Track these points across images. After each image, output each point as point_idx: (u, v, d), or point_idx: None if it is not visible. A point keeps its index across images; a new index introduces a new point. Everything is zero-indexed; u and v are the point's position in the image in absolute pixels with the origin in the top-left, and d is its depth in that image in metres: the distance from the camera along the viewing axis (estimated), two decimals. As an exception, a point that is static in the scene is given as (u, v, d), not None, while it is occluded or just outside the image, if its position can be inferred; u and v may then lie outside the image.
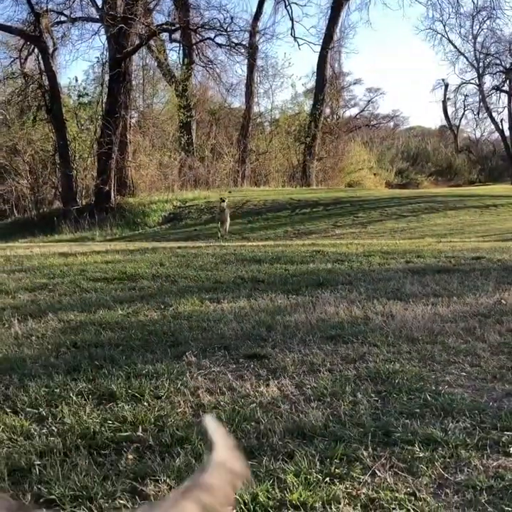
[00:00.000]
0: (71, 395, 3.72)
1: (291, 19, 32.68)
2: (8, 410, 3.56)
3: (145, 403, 3.59)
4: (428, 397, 3.57)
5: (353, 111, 51.63)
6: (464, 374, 4.01)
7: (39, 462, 2.88)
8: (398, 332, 4.94)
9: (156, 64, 32.14)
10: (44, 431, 3.26)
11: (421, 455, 2.92)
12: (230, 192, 26.66)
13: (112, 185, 24.18)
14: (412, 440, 3.05)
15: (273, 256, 9.35)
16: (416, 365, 4.16)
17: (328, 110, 37.64)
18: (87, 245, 14.48)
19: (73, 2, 25.99)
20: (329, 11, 34.35)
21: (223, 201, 16.79)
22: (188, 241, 16.20)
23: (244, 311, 5.86)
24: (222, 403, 3.58)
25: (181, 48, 32.10)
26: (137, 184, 26.97)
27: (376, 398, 3.61)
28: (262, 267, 8.37)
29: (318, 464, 2.84)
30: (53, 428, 3.29)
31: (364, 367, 4.14)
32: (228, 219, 17.03)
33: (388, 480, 2.73)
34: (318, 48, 33.62)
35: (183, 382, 3.91)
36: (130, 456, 2.95)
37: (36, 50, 25.75)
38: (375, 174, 41.82)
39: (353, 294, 6.49)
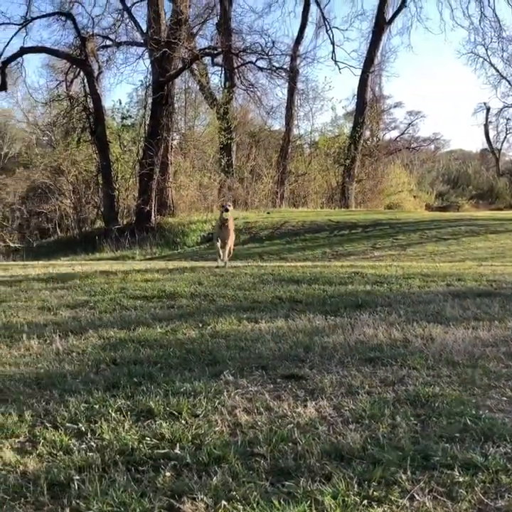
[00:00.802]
0: (110, 411, 3.75)
1: (333, 43, 32.85)
2: (48, 425, 3.60)
3: (183, 421, 3.60)
4: (468, 421, 3.51)
5: (394, 133, 51.50)
6: (505, 399, 3.94)
7: (78, 477, 2.89)
8: (438, 355, 4.88)
9: (198, 87, 32.55)
10: (83, 446, 3.29)
11: (461, 480, 2.87)
12: (268, 213, 26.75)
13: (153, 206, 24.46)
14: (451, 464, 3.00)
15: (311, 277, 9.33)
16: (456, 389, 4.10)
17: (368, 133, 37.63)
18: (128, 264, 14.62)
19: (118, 27, 26.59)
20: (370, 35, 34.42)
21: (227, 210, 11.57)
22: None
23: (281, 331, 5.85)
24: (259, 423, 3.57)
25: (223, 71, 32.49)
26: (177, 204, 27.21)
27: (415, 422, 3.56)
28: (300, 288, 8.35)
29: (356, 486, 2.80)
30: (92, 443, 3.32)
31: (403, 390, 4.10)
32: (232, 236, 11.73)
33: (427, 504, 2.69)
34: (358, 72, 33.72)
35: (220, 401, 3.92)
36: (168, 474, 2.95)
37: (82, 73, 26.29)
38: (414, 197, 41.53)
39: (392, 316, 6.43)
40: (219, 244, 11.64)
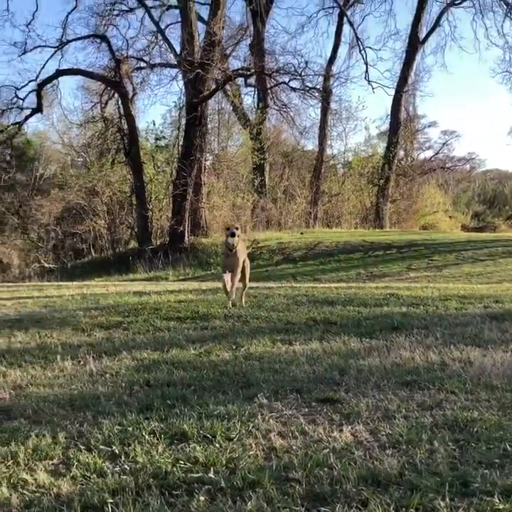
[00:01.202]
0: (144, 433, 3.72)
1: (366, 63, 32.86)
2: (82, 447, 3.58)
3: (217, 444, 3.56)
4: (508, 447, 3.42)
5: (428, 153, 51.18)
6: (547, 424, 3.83)
7: (112, 500, 2.87)
8: (476, 379, 4.78)
9: (231, 108, 32.77)
10: (117, 469, 3.26)
11: (501, 507, 2.78)
12: (301, 233, 26.71)
13: (186, 226, 24.59)
14: (491, 491, 2.91)
15: (346, 298, 9.25)
16: (495, 414, 3.99)
17: (402, 152, 37.48)
18: (161, 285, 14.69)
19: (152, 49, 26.97)
20: (404, 55, 34.40)
21: (233, 235, 8.59)
22: (260, 281, 16.20)
23: (316, 353, 5.79)
24: (294, 447, 3.51)
25: (256, 92, 32.67)
26: (210, 225, 27.33)
27: (454, 447, 3.48)
28: (334, 309, 8.28)
29: (393, 513, 2.73)
30: (126, 466, 3.29)
31: (441, 414, 4.01)
32: (242, 265, 8.83)
33: (468, 534, 2.61)
34: (392, 91, 33.66)
35: (254, 425, 3.87)
36: (202, 498, 2.91)
37: (116, 94, 26.64)
38: (450, 217, 41.18)
39: (429, 338, 6.33)
40: (226, 277, 8.62)
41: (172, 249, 23.66)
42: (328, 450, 3.45)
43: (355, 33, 34.27)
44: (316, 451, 3.42)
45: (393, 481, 3.04)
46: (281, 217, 30.54)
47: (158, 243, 25.77)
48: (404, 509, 2.76)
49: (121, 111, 26.55)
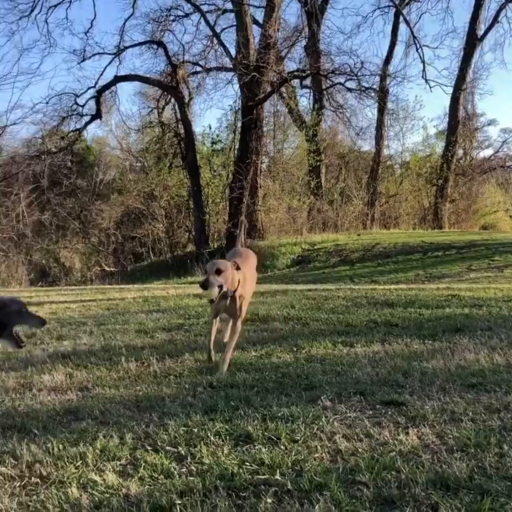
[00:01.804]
0: (209, 434, 3.75)
1: (423, 62, 32.34)
2: (148, 448, 3.63)
3: (282, 446, 3.57)
4: None
5: (487, 152, 50.17)
6: None
7: (180, 502, 2.90)
8: (545, 382, 4.67)
9: (286, 110, 32.75)
10: (183, 470, 3.30)
11: None
12: (358, 235, 26.53)
13: (243, 229, 24.67)
14: None
15: (406, 300, 9.14)
16: None
17: (460, 152, 36.81)
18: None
19: (208, 53, 27.11)
20: (462, 53, 33.80)
21: (205, 287, 5.20)
22: (317, 283, 16.11)
23: (378, 355, 5.74)
24: (360, 450, 3.49)
25: (312, 93, 32.58)
26: (267, 227, 27.36)
27: (524, 451, 3.40)
28: (395, 311, 8.19)
29: (464, 518, 2.69)
30: (192, 468, 3.32)
31: (509, 417, 3.92)
32: (243, 311, 5.82)
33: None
34: (450, 90, 33.10)
35: (319, 427, 3.86)
36: (269, 500, 2.92)
37: (173, 99, 26.92)
38: (511, 216, 40.26)
39: (493, 340, 6.20)
40: (214, 326, 5.83)
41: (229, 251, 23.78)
42: (394, 453, 3.42)
43: (412, 32, 33.78)
44: (382, 454, 3.39)
45: (463, 485, 3.00)
46: (338, 219, 30.35)
47: (215, 246, 25.93)
48: (475, 514, 2.72)
49: (178, 115, 26.81)
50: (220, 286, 5.17)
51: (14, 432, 4.00)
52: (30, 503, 3.00)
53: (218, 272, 5.19)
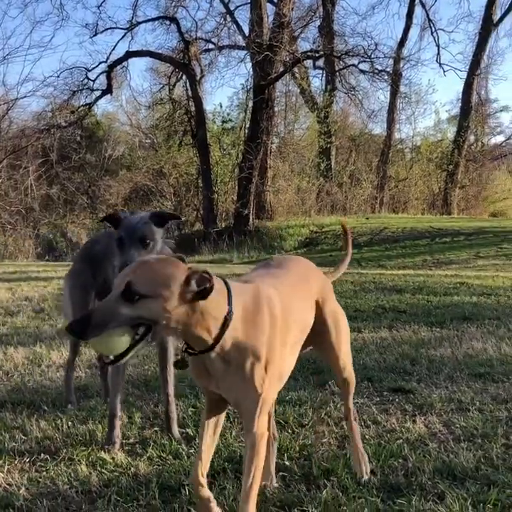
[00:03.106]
0: (217, 416, 3.77)
1: (437, 45, 32.03)
2: (157, 429, 3.66)
3: (289, 430, 3.59)
4: None
5: (499, 138, 49.84)
6: None
7: (188, 482, 2.92)
8: (553, 373, 4.67)
9: (298, 90, 32.53)
10: (192, 451, 3.32)
11: None
12: (367, 218, 26.46)
13: (251, 209, 24.62)
14: None
15: (414, 286, 9.14)
16: None
17: (472, 137, 36.52)
18: (227, 267, 14.78)
19: (221, 31, 26.88)
20: (477, 37, 33.43)
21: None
22: (325, 267, 16.07)
23: (386, 342, 5.75)
24: (367, 436, 3.50)
25: (324, 74, 32.33)
26: (275, 208, 27.29)
27: (531, 443, 3.42)
28: (403, 297, 8.19)
29: (470, 508, 2.69)
30: (201, 449, 3.34)
31: (516, 408, 3.94)
32: (251, 400, 2.39)
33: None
34: (464, 75, 32.79)
35: (326, 412, 3.88)
36: (276, 484, 2.94)
37: (184, 76, 26.74)
38: (521, 204, 40.05)
39: (501, 329, 6.20)
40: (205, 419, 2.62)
41: (237, 231, 23.72)
42: (401, 441, 3.43)
43: (427, 15, 33.38)
44: (389, 442, 3.41)
45: (469, 475, 3.01)
46: (347, 202, 30.23)
47: (223, 226, 25.87)
48: (481, 505, 2.73)
49: (189, 93, 26.63)
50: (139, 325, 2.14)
51: (24, 408, 4.04)
52: (40, 480, 3.02)
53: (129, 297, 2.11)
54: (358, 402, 4.05)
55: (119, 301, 2.08)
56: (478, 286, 9.25)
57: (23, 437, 3.56)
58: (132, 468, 3.12)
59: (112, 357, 2.18)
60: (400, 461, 3.18)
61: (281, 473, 3.04)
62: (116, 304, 2.07)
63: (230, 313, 2.29)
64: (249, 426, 2.38)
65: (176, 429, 3.55)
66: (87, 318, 2.07)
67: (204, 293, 2.19)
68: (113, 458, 3.23)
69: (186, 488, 2.87)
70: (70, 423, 3.69)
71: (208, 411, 2.57)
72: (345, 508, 2.71)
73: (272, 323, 2.42)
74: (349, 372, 3.01)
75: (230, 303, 2.31)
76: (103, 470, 3.11)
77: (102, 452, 3.31)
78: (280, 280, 2.68)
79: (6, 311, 7.70)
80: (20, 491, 2.90)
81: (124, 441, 3.48)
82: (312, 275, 2.93)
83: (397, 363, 4.96)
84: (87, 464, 3.19)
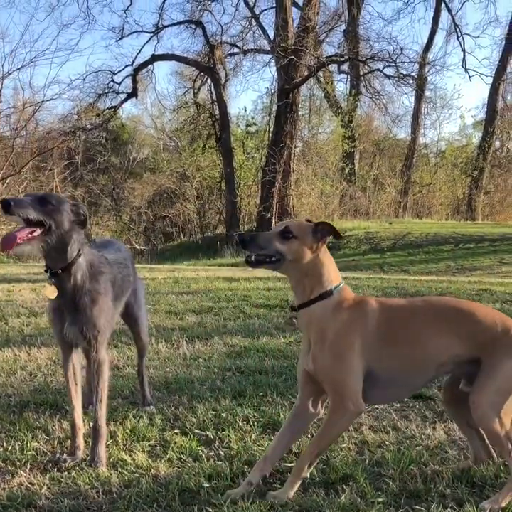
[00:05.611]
0: (237, 420, 3.79)
1: (463, 50, 31.81)
2: (177, 431, 3.69)
3: (308, 435, 3.59)
4: None
5: (525, 144, 49.43)
6: None
7: (207, 485, 2.94)
8: None
9: (322, 95, 32.53)
10: (212, 454, 3.35)
11: None
12: (390, 223, 26.36)
13: (274, 213, 24.65)
14: None
15: (437, 292, 9.09)
16: None
17: (497, 143, 36.27)
18: (249, 271, 14.80)
19: (246, 35, 26.98)
20: (503, 42, 33.19)
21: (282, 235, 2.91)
22: (347, 271, 16.03)
23: (407, 347, 5.73)
24: (386, 442, 3.50)
25: (349, 78, 32.30)
26: (298, 212, 27.29)
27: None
28: (425, 303, 8.14)
29: (489, 516, 2.69)
30: (220, 452, 3.37)
31: (538, 417, 3.91)
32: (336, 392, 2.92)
33: None
34: (490, 80, 32.58)
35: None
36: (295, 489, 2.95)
37: (209, 80, 26.87)
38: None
39: (524, 337, 6.15)
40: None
41: (259, 235, 23.79)
42: (421, 447, 3.43)
43: (453, 20, 33.19)
44: (408, 448, 3.40)
45: (488, 483, 3.01)
46: (370, 206, 30.17)
47: (245, 229, 25.93)
48: (500, 513, 2.72)
49: (214, 96, 26.77)
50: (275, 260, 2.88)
51: (47, 408, 4.09)
52: (62, 479, 3.07)
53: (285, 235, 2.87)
54: (377, 408, 4.05)
55: (276, 237, 2.87)
56: (501, 292, 9.17)
57: (46, 437, 3.61)
58: (152, 470, 3.15)
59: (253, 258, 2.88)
60: (420, 467, 3.18)
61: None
62: (274, 239, 2.86)
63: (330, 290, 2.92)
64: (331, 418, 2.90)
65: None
66: (254, 237, 2.88)
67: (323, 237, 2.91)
68: (134, 459, 3.27)
69: (205, 490, 2.89)
70: (91, 424, 3.73)
71: (294, 415, 3.09)
72: (363, 513, 2.72)
73: None
74: None
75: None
76: (124, 471, 3.15)
77: (123, 453, 3.35)
78: None
79: (31, 311, 7.79)
80: (42, 491, 2.94)
81: (144, 442, 3.51)
82: None
83: (418, 370, 4.94)
84: (107, 465, 3.23)
